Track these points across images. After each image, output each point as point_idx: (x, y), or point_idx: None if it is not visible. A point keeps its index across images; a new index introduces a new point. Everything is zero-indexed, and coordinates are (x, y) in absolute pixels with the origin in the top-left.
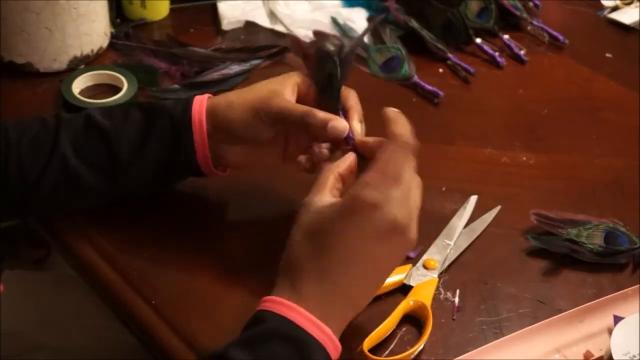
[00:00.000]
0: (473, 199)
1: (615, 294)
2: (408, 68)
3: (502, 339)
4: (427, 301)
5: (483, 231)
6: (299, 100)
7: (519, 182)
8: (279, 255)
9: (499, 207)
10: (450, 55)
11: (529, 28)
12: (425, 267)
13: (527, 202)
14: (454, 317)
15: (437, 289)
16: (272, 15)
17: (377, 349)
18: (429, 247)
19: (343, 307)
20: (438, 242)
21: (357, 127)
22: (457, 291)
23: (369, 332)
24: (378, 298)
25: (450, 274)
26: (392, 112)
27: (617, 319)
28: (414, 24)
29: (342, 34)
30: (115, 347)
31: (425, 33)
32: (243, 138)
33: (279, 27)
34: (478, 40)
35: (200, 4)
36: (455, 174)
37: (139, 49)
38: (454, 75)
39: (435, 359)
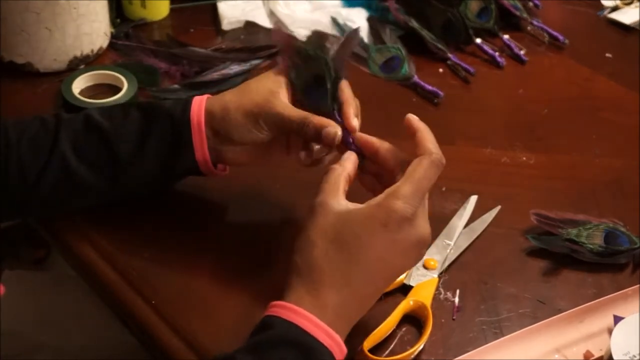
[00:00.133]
0: (473, 199)
1: (615, 294)
2: (408, 68)
3: (502, 339)
4: (427, 301)
5: (483, 231)
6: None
7: (519, 182)
8: (279, 256)
9: (499, 207)
10: (450, 55)
11: (529, 28)
12: (425, 267)
13: (527, 202)
14: (454, 317)
15: (437, 289)
16: (272, 15)
17: (377, 349)
18: (429, 247)
19: (355, 312)
20: (438, 242)
21: (355, 124)
22: (457, 291)
23: (369, 332)
24: (378, 298)
25: (450, 274)
26: (417, 121)
27: (617, 319)
28: (414, 24)
29: (342, 34)
30: (115, 347)
31: (425, 33)
32: (241, 141)
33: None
34: (478, 40)
35: (200, 4)
36: (455, 174)
37: (139, 49)
38: (454, 75)
39: (435, 359)
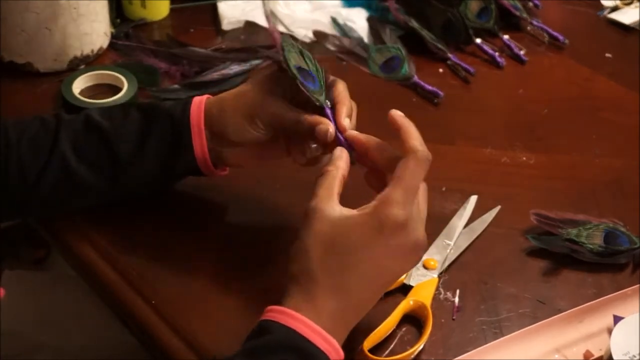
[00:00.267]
0: (473, 199)
1: (615, 294)
2: (408, 68)
3: (502, 339)
4: (427, 301)
5: (483, 231)
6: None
7: (519, 182)
8: (279, 256)
9: (499, 207)
10: (450, 55)
11: (529, 28)
12: (425, 267)
13: (527, 202)
14: (454, 317)
15: (437, 289)
16: (272, 15)
17: (377, 349)
18: (429, 247)
19: (352, 317)
20: (438, 242)
21: (346, 124)
22: (457, 291)
23: (369, 332)
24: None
25: (450, 274)
26: (401, 117)
27: (617, 319)
28: (414, 24)
29: (342, 34)
30: (115, 347)
31: (425, 33)
32: (239, 142)
33: (279, 27)
34: (478, 40)
35: (200, 4)
36: (455, 174)
37: (139, 49)
38: (454, 75)
39: (435, 359)
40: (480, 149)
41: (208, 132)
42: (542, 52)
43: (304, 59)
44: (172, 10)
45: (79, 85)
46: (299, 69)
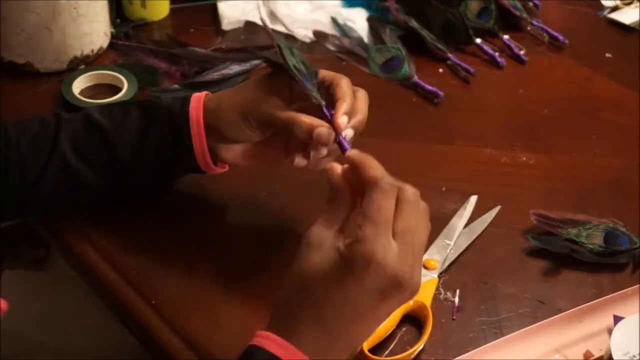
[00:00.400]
0: (473, 199)
1: (615, 294)
2: (408, 68)
3: (502, 339)
4: (427, 301)
5: (483, 231)
6: (294, 96)
7: (519, 182)
8: (279, 256)
9: (499, 207)
10: (450, 55)
11: (529, 28)
12: (425, 267)
13: (527, 202)
14: (454, 317)
15: (437, 289)
16: (272, 15)
17: (377, 349)
18: (429, 247)
19: (339, 351)
20: (438, 242)
21: (341, 123)
22: (457, 291)
23: None
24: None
25: (450, 274)
26: (356, 155)
27: (617, 319)
28: (414, 24)
29: (342, 34)
30: (115, 347)
31: (425, 33)
32: (233, 139)
33: (279, 27)
34: (478, 40)
35: (200, 4)
36: (455, 174)
37: (139, 49)
38: (454, 75)
39: (435, 359)
40: (480, 149)
41: (206, 127)
42: (542, 52)
43: (295, 58)
44: (172, 10)
45: (79, 85)
46: (295, 68)
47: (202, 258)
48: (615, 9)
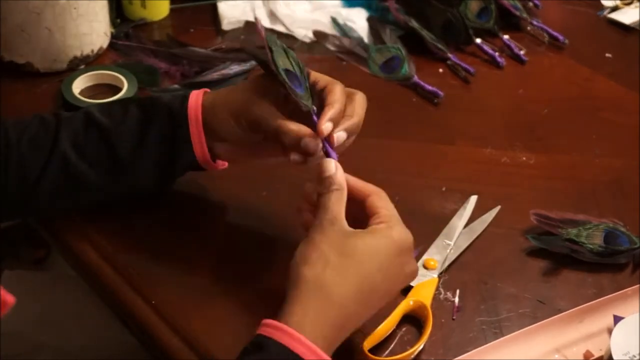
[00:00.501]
0: (473, 199)
1: (615, 294)
2: (408, 68)
3: (502, 339)
4: (427, 301)
5: (483, 231)
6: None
7: (519, 182)
8: (280, 256)
9: (499, 207)
10: (450, 55)
11: (529, 28)
12: (425, 267)
13: (527, 202)
14: (454, 317)
15: (437, 289)
16: (272, 15)
17: (377, 349)
18: (429, 247)
19: (345, 332)
20: (438, 242)
21: (324, 129)
22: (457, 291)
23: (369, 332)
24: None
25: (450, 274)
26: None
27: (617, 319)
28: (414, 24)
29: (342, 34)
30: (115, 347)
31: (425, 33)
32: (225, 137)
33: (279, 27)
34: (478, 40)
35: (200, 4)
36: (455, 174)
37: (139, 49)
38: (454, 75)
39: (435, 359)
40: (480, 149)
41: (203, 125)
42: (542, 52)
43: (289, 59)
44: (172, 10)
45: (79, 85)
46: (287, 71)
47: (202, 258)
48: (615, 9)
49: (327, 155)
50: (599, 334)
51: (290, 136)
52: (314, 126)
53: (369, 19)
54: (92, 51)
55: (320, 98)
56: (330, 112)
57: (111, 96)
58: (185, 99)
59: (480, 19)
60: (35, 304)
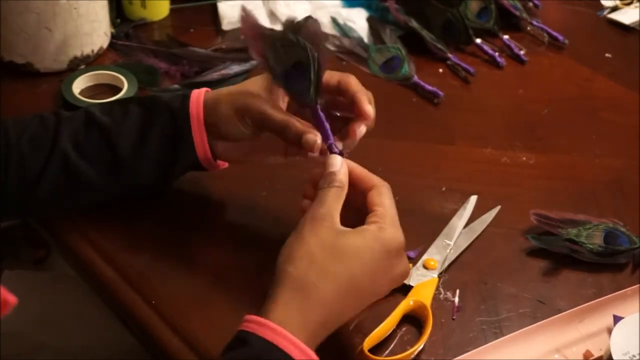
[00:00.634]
0: (473, 199)
1: (615, 293)
2: (408, 68)
3: (502, 339)
4: (427, 301)
5: (483, 231)
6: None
7: (519, 182)
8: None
9: (499, 207)
10: (450, 55)
11: (528, 28)
12: (425, 267)
13: (527, 202)
14: (454, 317)
15: (437, 289)
16: (272, 15)
17: (377, 349)
18: (429, 247)
19: (330, 329)
20: (438, 242)
21: (369, 111)
22: (457, 291)
23: (369, 332)
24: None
25: (450, 274)
26: (355, 168)
27: (617, 319)
28: (414, 24)
29: (342, 34)
30: (115, 347)
31: (425, 33)
32: (228, 136)
33: (279, 27)
34: (478, 40)
35: (200, 4)
36: (455, 174)
37: (139, 49)
38: (454, 75)
39: (435, 359)
40: (480, 149)
41: (205, 124)
42: (542, 52)
43: (302, 49)
44: (172, 10)
45: (79, 85)
46: (295, 65)
47: (203, 258)
48: (615, 9)
49: (331, 153)
50: (599, 333)
51: (293, 131)
52: (316, 122)
53: (369, 19)
54: (92, 51)
55: (336, 92)
56: (366, 96)
57: (111, 96)
58: (186, 98)
59: (480, 19)
60: (35, 304)
